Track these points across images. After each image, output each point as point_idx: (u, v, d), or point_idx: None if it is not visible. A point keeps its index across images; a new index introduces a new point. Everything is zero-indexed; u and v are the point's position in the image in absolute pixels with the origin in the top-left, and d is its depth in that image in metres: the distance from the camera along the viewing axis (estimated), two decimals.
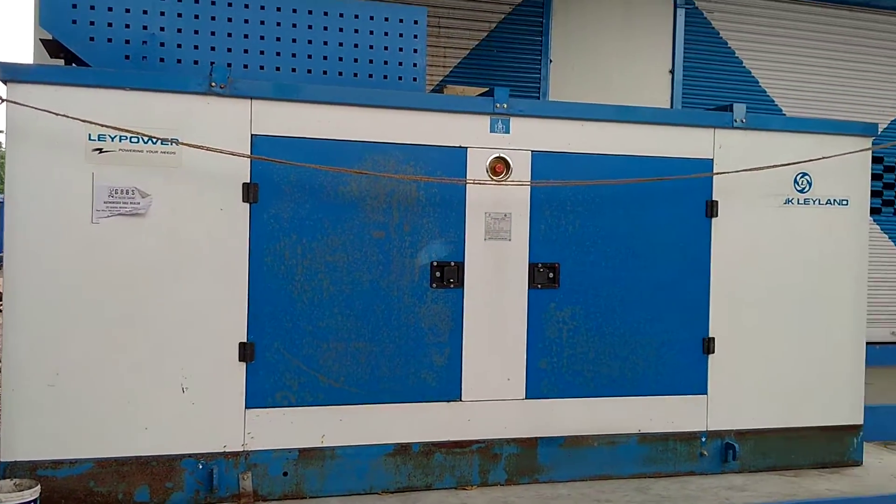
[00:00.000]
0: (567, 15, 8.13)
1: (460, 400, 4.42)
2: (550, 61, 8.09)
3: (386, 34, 4.80)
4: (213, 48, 4.50)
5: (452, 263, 4.39)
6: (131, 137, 3.87)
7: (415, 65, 4.86)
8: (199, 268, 4.02)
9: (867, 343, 5.14)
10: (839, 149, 4.90)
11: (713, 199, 4.77)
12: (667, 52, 8.45)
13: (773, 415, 4.91)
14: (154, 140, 3.90)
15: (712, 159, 4.78)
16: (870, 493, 4.59)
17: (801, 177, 4.90)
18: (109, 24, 4.30)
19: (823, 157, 4.82)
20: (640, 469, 4.70)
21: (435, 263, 4.36)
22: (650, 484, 4.61)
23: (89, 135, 3.84)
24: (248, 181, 4.07)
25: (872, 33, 8.98)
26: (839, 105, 8.86)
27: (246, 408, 4.11)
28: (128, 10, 4.33)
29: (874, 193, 5.14)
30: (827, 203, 4.96)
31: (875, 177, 5.01)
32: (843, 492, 4.59)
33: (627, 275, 4.64)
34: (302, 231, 4.17)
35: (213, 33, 4.50)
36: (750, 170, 4.71)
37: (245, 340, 4.09)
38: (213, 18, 4.49)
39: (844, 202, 4.98)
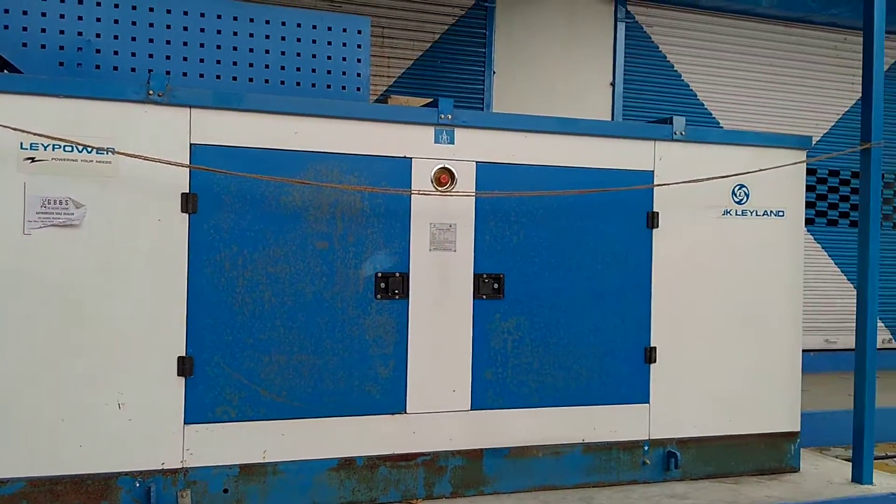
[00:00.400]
0: (510, 27, 8.20)
1: (405, 412, 4.39)
2: (494, 72, 8.15)
3: (329, 43, 4.76)
4: (150, 55, 4.40)
5: (397, 274, 4.35)
6: (65, 146, 3.75)
7: (358, 74, 4.83)
8: (136, 280, 3.91)
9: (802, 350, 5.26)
10: (775, 161, 5.02)
11: (654, 210, 4.83)
12: (608, 64, 8.59)
13: (713, 423, 4.97)
14: (89, 149, 3.79)
15: (653, 171, 4.84)
16: (807, 499, 4.68)
17: (739, 188, 5.00)
18: (43, 30, 4.18)
19: (760, 170, 4.92)
20: (584, 479, 4.71)
21: (379, 274, 4.32)
22: (594, 493, 4.63)
23: (21, 143, 3.71)
24: (188, 191, 3.98)
25: (806, 48, 9.27)
26: (774, 118, 9.11)
27: (185, 423, 4.01)
28: (62, 16, 4.22)
29: (807, 205, 5.26)
30: (764, 214, 5.06)
31: (808, 188, 5.15)
32: (781, 498, 4.67)
33: (571, 285, 4.67)
34: (243, 242, 4.09)
35: (151, 40, 4.41)
36: (689, 182, 4.78)
37: (184, 354, 3.99)
38: (151, 25, 4.40)
39: (781, 213, 5.10)
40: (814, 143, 5.35)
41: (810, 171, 9.00)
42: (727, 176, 4.85)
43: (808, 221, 8.90)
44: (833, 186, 9.46)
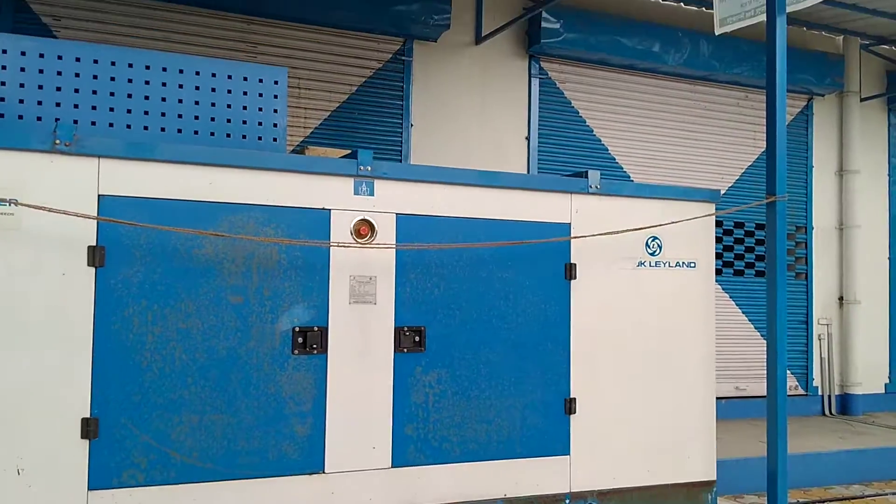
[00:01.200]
0: (427, 80, 8.27)
1: (323, 472, 4.25)
2: (411, 125, 8.19)
3: (245, 93, 4.70)
4: (58, 104, 4.26)
5: (315, 328, 4.25)
6: None
7: (275, 125, 4.78)
8: (38, 337, 3.70)
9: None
10: (686, 214, 5.15)
11: (571, 261, 4.88)
12: (523, 118, 8.74)
13: (632, 473, 4.99)
14: None
15: (570, 223, 4.90)
16: None
17: (653, 240, 5.11)
18: None
19: (672, 222, 5.04)
20: None
21: (297, 329, 4.22)
22: None
23: None
24: (95, 244, 3.81)
25: (710, 104, 9.64)
26: (682, 171, 9.40)
27: (89, 489, 3.78)
28: None
29: (715, 255, 5.41)
30: (677, 265, 5.18)
31: (715, 239, 5.32)
32: None
33: (492, 337, 4.65)
34: (153, 296, 3.93)
35: (58, 88, 4.27)
36: (604, 234, 4.86)
37: (88, 416, 3.78)
38: (58, 73, 4.27)
39: (692, 265, 5.22)
40: (721, 194, 5.53)
41: (717, 223, 9.31)
42: (640, 228, 4.95)
43: (716, 272, 9.17)
44: (739, 238, 9.79)
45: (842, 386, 10.26)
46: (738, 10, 5.52)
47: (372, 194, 4.44)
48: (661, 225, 5.01)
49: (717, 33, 5.71)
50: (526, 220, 4.79)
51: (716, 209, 5.37)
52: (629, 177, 9.13)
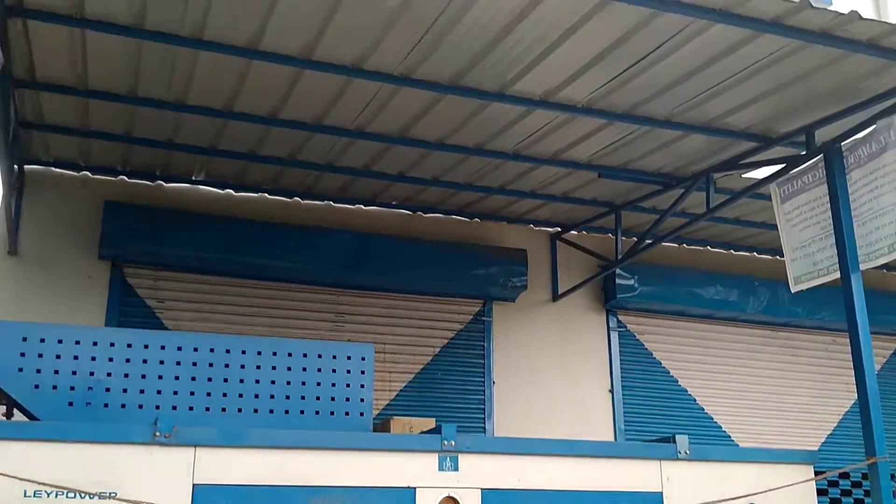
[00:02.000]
0: (507, 338, 8.44)
1: None
2: (493, 382, 8.25)
3: (333, 371, 4.86)
4: (158, 391, 4.48)
5: None
6: (68, 493, 3.70)
7: (362, 400, 4.88)
8: None
9: None
10: (784, 478, 4.93)
11: None
12: (605, 371, 8.72)
13: None
14: (91, 495, 3.73)
15: (661, 492, 4.75)
16: None
17: None
18: (56, 372, 4.28)
19: (769, 490, 4.83)
20: None
21: None
22: None
23: (24, 491, 3.65)
24: None
25: (799, 350, 9.44)
26: (777, 420, 9.06)
27: None
28: (76, 357, 4.35)
29: None
30: None
31: (820, 492, 5.05)
32: None
33: None
34: None
35: (160, 377, 4.50)
36: None
37: None
38: (161, 362, 4.52)
39: None
40: (820, 444, 5.32)
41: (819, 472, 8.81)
42: (737, 497, 4.75)
43: None
44: (845, 489, 9.20)
45: None
46: (812, 268, 5.61)
47: (456, 469, 4.42)
48: (758, 493, 4.80)
49: (793, 291, 5.77)
50: (616, 491, 4.66)
51: (815, 469, 5.14)
52: (720, 427, 8.86)
